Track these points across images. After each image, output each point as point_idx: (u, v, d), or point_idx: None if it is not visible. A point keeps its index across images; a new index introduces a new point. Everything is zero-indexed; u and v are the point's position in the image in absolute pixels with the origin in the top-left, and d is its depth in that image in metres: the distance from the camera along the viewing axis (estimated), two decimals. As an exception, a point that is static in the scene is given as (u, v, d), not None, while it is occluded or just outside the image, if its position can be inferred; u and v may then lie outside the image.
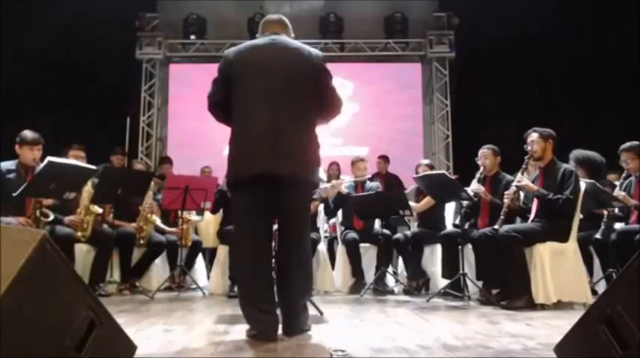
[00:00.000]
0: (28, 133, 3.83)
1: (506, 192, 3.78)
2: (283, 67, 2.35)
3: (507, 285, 3.56)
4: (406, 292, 4.50)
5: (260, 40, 2.47)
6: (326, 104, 2.47)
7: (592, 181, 4.08)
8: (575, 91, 7.43)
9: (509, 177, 4.08)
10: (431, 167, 4.86)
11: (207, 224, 5.34)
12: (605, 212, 4.38)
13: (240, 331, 2.41)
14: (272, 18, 2.59)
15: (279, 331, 2.32)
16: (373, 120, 8.37)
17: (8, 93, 6.43)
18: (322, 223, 5.12)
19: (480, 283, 3.84)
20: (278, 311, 2.36)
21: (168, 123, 8.56)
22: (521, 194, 3.94)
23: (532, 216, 3.73)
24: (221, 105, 2.45)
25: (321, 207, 4.88)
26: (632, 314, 1.41)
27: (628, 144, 4.19)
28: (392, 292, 4.56)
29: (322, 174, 5.55)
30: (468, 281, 3.92)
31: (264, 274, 2.34)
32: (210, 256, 5.53)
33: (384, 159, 6.73)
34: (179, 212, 4.67)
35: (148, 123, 8.63)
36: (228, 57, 2.43)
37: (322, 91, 2.42)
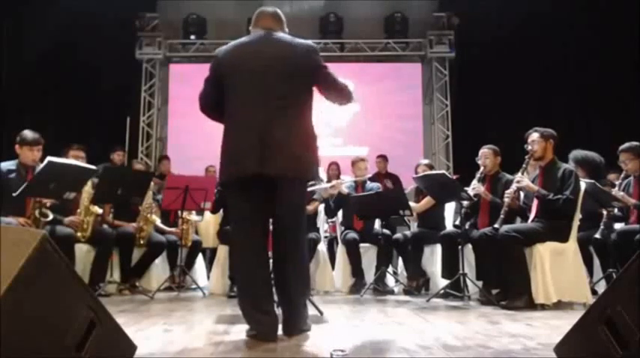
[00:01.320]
0: (28, 133, 3.83)
1: (506, 192, 3.78)
2: (272, 63, 2.31)
3: (507, 285, 3.56)
4: (406, 292, 4.50)
5: (249, 37, 2.44)
6: (330, 94, 2.44)
7: (592, 181, 4.08)
8: (574, 91, 7.43)
9: (509, 176, 4.09)
10: (430, 167, 4.86)
11: (207, 224, 5.34)
12: (605, 212, 4.38)
13: (240, 331, 2.41)
14: (266, 11, 2.51)
15: (279, 331, 2.32)
16: (373, 120, 8.38)
17: (8, 93, 6.42)
18: (322, 223, 5.12)
19: (480, 283, 3.84)
20: (278, 311, 2.36)
21: (168, 123, 8.56)
22: (521, 194, 3.94)
23: (532, 216, 3.73)
24: (213, 105, 2.43)
25: (322, 207, 4.88)
26: (632, 314, 1.41)
27: (627, 144, 4.20)
28: (392, 292, 4.56)
29: (322, 174, 5.57)
30: (468, 281, 3.91)
31: (262, 274, 2.33)
32: (210, 256, 5.53)
33: (384, 158, 6.73)
34: (179, 212, 4.67)
35: (148, 123, 8.63)
36: (219, 56, 2.41)
37: (320, 84, 2.39)
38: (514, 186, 3.75)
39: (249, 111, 2.29)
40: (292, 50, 2.36)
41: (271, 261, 2.44)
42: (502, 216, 3.65)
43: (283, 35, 2.44)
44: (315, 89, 2.42)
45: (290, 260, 2.35)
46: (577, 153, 4.66)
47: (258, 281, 2.31)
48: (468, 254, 4.03)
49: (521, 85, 7.46)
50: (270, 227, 2.45)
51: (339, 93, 2.45)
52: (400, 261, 4.90)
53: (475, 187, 4.01)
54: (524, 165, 3.79)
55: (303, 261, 2.43)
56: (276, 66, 2.31)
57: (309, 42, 2.44)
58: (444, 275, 4.12)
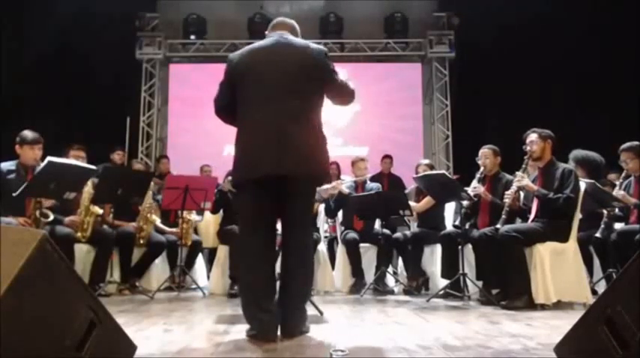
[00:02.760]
0: (28, 133, 3.84)
1: (507, 192, 3.78)
2: (286, 65, 2.35)
3: (507, 285, 3.56)
4: (406, 292, 4.50)
5: (263, 42, 2.49)
6: (335, 97, 2.49)
7: (592, 181, 4.09)
8: (575, 91, 7.43)
9: (509, 176, 4.08)
10: (431, 167, 4.86)
11: (207, 224, 5.34)
12: (605, 212, 4.38)
13: (240, 331, 2.41)
14: (282, 20, 2.59)
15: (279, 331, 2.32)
16: (373, 120, 8.38)
17: (8, 93, 6.42)
18: (322, 223, 5.12)
19: (480, 283, 3.84)
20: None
21: (169, 123, 8.56)
22: (521, 194, 3.95)
23: (532, 216, 3.73)
24: (227, 108, 2.46)
25: (322, 207, 4.88)
26: (632, 314, 1.41)
27: (627, 144, 4.21)
28: (392, 292, 4.56)
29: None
30: (468, 281, 3.92)
31: (266, 273, 2.34)
32: (210, 256, 5.53)
33: (390, 158, 6.72)
34: (179, 212, 4.67)
35: (148, 123, 8.63)
36: (233, 59, 2.44)
37: (327, 87, 2.42)
38: (514, 186, 3.75)
39: (263, 111, 2.31)
40: (305, 52, 2.39)
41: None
42: (504, 216, 3.65)
43: (295, 38, 2.49)
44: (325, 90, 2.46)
45: (294, 262, 2.36)
46: (577, 152, 4.66)
47: (261, 279, 2.31)
48: (468, 254, 4.03)
49: (521, 84, 7.45)
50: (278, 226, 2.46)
51: (345, 96, 2.51)
52: (400, 260, 4.90)
53: (475, 188, 4.01)
54: (523, 166, 3.79)
55: (307, 264, 2.43)
56: (289, 67, 2.35)
57: (320, 46, 2.49)
58: (444, 275, 4.11)
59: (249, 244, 2.37)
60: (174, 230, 4.83)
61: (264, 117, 2.30)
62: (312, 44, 2.45)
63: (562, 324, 2.58)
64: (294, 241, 2.37)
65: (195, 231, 5.18)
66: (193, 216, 4.95)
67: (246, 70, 2.39)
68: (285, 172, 2.24)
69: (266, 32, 2.58)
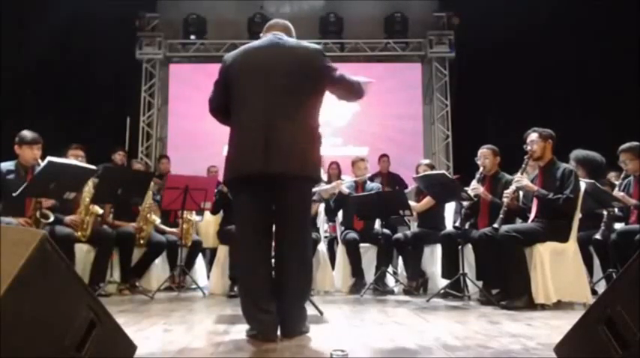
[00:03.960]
0: (27, 133, 3.84)
1: (505, 192, 3.78)
2: (279, 65, 2.35)
3: (507, 285, 3.56)
4: (406, 292, 4.50)
5: (258, 42, 2.49)
6: (339, 93, 2.50)
7: (592, 181, 4.08)
8: (574, 91, 7.43)
9: (508, 176, 4.09)
10: (431, 167, 4.86)
11: (207, 224, 5.34)
12: (605, 212, 4.38)
13: (240, 331, 2.41)
14: (276, 21, 2.60)
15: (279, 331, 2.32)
16: (373, 120, 8.38)
17: (8, 93, 6.42)
18: (322, 223, 5.12)
19: (480, 283, 3.84)
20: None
21: (169, 123, 8.56)
22: (521, 194, 3.94)
23: (532, 216, 3.73)
24: (222, 107, 2.46)
25: (322, 207, 4.88)
26: (632, 314, 1.41)
27: (627, 144, 4.20)
28: (392, 292, 4.55)
29: (322, 174, 5.56)
30: (468, 281, 3.92)
31: (264, 273, 2.33)
32: (210, 256, 5.53)
33: (387, 157, 6.73)
34: (179, 212, 4.67)
35: (148, 123, 8.64)
36: (227, 60, 2.45)
37: (329, 85, 2.43)
38: (513, 186, 3.75)
39: (254, 111, 2.31)
40: (297, 52, 2.40)
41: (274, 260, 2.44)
42: (501, 216, 3.65)
43: (290, 39, 2.49)
44: (325, 89, 2.46)
45: (292, 261, 2.35)
46: (578, 152, 4.65)
47: (260, 280, 2.31)
48: (468, 254, 4.03)
49: (521, 84, 7.46)
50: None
51: (349, 91, 2.52)
52: (400, 260, 4.90)
53: (474, 188, 4.01)
54: (523, 165, 3.79)
55: (305, 264, 2.42)
56: (281, 67, 2.35)
57: (315, 45, 2.49)
58: (444, 275, 4.12)
59: (247, 244, 2.37)
60: (174, 230, 4.83)
61: (255, 117, 2.29)
62: (307, 43, 2.45)
63: (562, 324, 2.57)
64: (291, 241, 2.36)
65: (196, 231, 5.19)
66: (193, 217, 4.95)
67: (240, 69, 2.39)
68: (274, 171, 2.23)
69: (260, 35, 2.58)
